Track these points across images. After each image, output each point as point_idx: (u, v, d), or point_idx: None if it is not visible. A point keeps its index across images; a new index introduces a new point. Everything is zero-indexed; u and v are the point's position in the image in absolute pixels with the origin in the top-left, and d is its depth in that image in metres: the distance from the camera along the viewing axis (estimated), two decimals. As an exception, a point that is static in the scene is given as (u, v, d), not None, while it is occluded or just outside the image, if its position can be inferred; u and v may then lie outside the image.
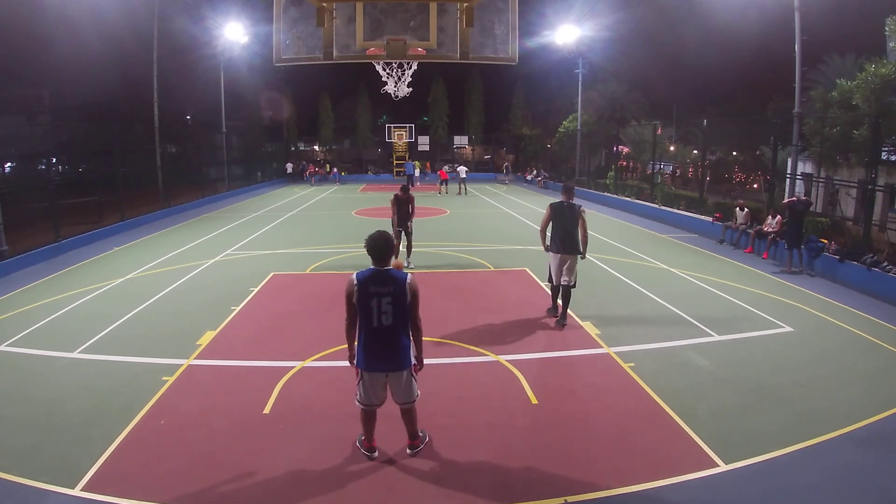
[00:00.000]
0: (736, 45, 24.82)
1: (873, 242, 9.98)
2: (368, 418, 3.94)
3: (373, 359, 3.75)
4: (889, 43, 12.74)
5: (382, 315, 3.66)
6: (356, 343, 3.83)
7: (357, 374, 3.86)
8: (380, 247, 3.70)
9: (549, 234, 6.92)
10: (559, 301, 6.87)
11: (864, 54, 15.02)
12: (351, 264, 10.21)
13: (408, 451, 4.04)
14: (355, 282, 3.69)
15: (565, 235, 6.67)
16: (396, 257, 9.82)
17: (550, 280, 6.94)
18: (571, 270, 6.67)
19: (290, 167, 34.24)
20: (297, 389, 5.07)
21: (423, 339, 3.97)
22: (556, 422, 4.55)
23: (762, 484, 3.73)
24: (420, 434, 4.12)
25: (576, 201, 6.99)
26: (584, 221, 6.65)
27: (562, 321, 6.79)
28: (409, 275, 3.77)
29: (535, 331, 6.69)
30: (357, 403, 3.91)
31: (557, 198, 7.11)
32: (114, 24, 20.26)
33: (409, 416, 3.98)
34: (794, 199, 10.60)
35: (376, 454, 4.00)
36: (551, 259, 6.81)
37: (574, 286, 6.74)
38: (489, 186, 30.74)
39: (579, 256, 6.69)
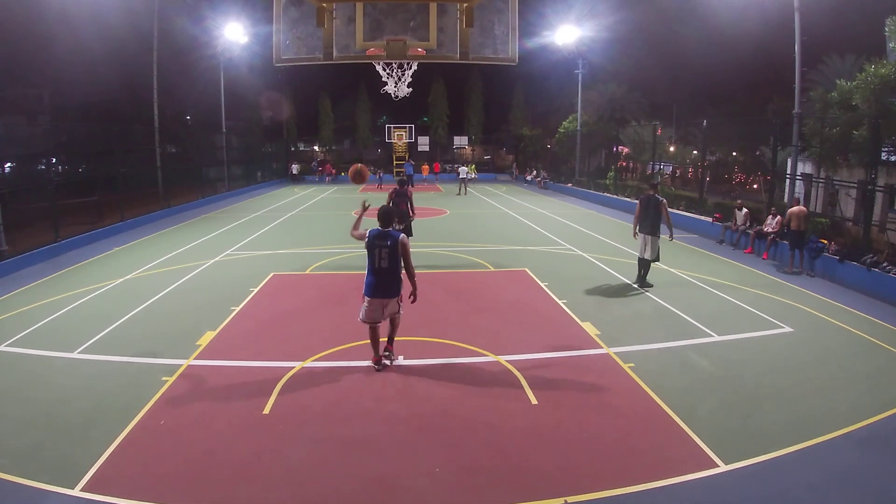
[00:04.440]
0: (736, 45, 24.80)
1: (873, 243, 9.98)
2: (373, 333, 5.39)
3: (374, 290, 5.27)
4: (889, 43, 12.74)
5: (381, 260, 5.21)
6: (365, 277, 5.33)
7: (363, 299, 5.33)
8: (383, 215, 5.36)
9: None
10: (641, 271, 8.71)
11: (863, 55, 15.02)
12: (351, 264, 10.21)
13: (384, 352, 5.47)
14: (367, 235, 5.31)
15: (646, 220, 8.49)
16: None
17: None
18: (651, 247, 8.47)
19: (295, 168, 34.10)
20: (297, 389, 5.07)
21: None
22: (556, 422, 4.55)
23: (762, 484, 3.73)
24: (392, 349, 5.56)
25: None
26: (665, 209, 8.43)
27: (641, 284, 8.56)
28: (401, 234, 5.27)
29: (535, 331, 6.70)
30: (360, 320, 5.34)
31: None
32: (114, 24, 20.24)
33: (393, 324, 5.55)
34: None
35: (381, 367, 5.36)
36: (639, 238, 8.66)
37: (655, 260, 8.57)
38: (489, 187, 30.75)
39: (659, 237, 8.46)
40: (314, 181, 33.49)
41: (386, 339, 5.59)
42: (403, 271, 5.32)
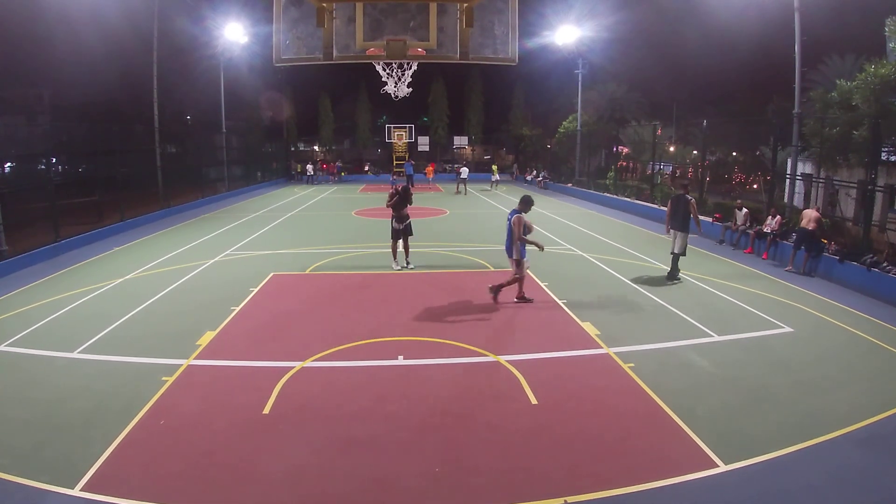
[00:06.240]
0: (736, 45, 24.84)
1: (873, 243, 9.97)
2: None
3: (506, 248, 7.69)
4: (889, 43, 12.75)
5: (507, 230, 7.54)
6: None
7: None
8: (524, 201, 7.76)
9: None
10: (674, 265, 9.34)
11: (863, 55, 15.01)
12: (351, 264, 10.21)
13: (514, 299, 7.71)
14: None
15: (675, 217, 9.21)
16: (395, 258, 9.83)
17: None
18: (678, 242, 9.13)
19: (310, 168, 33.52)
20: (297, 389, 5.07)
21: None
22: (556, 422, 4.55)
23: (762, 484, 3.73)
24: (525, 298, 7.78)
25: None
26: (693, 207, 9.13)
27: (670, 277, 9.19)
28: (515, 214, 7.47)
29: (535, 331, 6.70)
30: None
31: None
32: (114, 24, 20.24)
33: (518, 282, 7.69)
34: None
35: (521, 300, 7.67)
36: (670, 235, 9.36)
37: (681, 254, 9.17)
38: (489, 187, 30.71)
39: (686, 234, 9.14)
40: (319, 180, 33.68)
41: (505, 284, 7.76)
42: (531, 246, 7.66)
